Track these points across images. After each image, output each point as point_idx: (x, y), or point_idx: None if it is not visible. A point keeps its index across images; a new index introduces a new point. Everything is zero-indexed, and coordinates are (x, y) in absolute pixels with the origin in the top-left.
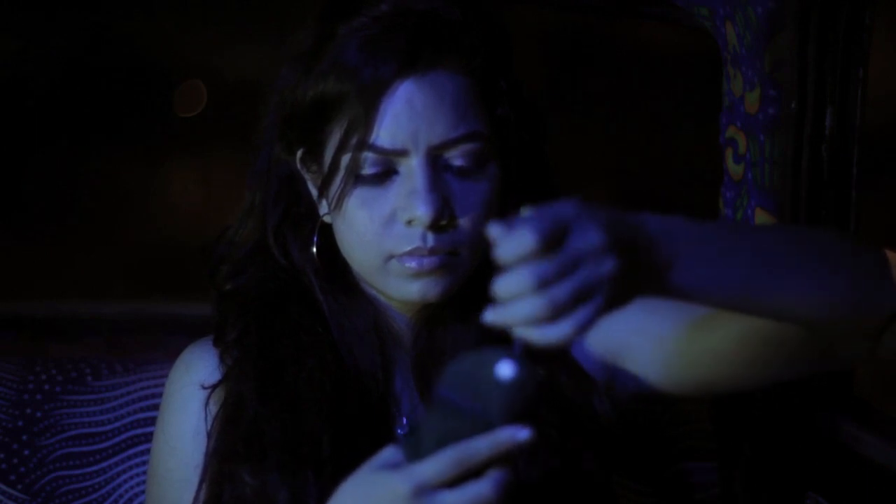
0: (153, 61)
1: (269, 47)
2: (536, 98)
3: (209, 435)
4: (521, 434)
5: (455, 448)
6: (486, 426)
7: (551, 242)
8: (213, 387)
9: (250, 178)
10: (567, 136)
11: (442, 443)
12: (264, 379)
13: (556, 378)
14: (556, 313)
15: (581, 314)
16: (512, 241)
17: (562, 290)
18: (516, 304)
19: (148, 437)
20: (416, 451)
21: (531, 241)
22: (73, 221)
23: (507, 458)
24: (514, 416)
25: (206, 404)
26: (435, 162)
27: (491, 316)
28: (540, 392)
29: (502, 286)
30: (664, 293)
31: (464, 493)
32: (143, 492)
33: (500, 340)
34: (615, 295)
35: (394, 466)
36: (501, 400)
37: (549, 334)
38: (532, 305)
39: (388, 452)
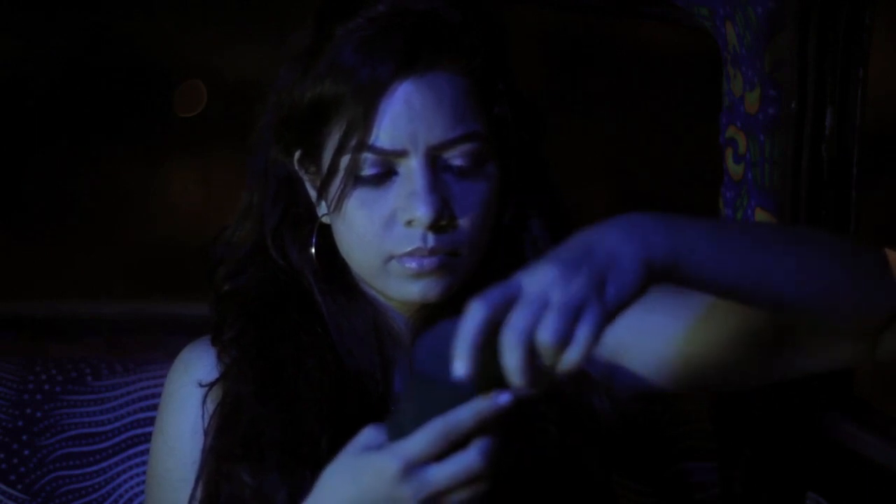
0: (153, 61)
1: (269, 47)
2: (536, 98)
3: (206, 433)
4: (502, 398)
5: (438, 421)
6: (467, 396)
7: (501, 307)
8: (211, 385)
9: (248, 180)
10: (567, 136)
11: (424, 418)
12: (263, 379)
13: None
14: (560, 342)
15: (583, 330)
16: (464, 325)
17: (550, 322)
18: (517, 355)
19: (148, 437)
20: (399, 430)
21: (478, 313)
22: (73, 221)
23: (491, 426)
24: (493, 383)
25: (204, 402)
26: (434, 162)
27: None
28: None
29: (508, 362)
30: (671, 283)
31: (452, 465)
32: (143, 492)
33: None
34: (609, 294)
35: (378, 447)
36: (478, 367)
37: (567, 361)
38: (542, 351)
39: (369, 433)
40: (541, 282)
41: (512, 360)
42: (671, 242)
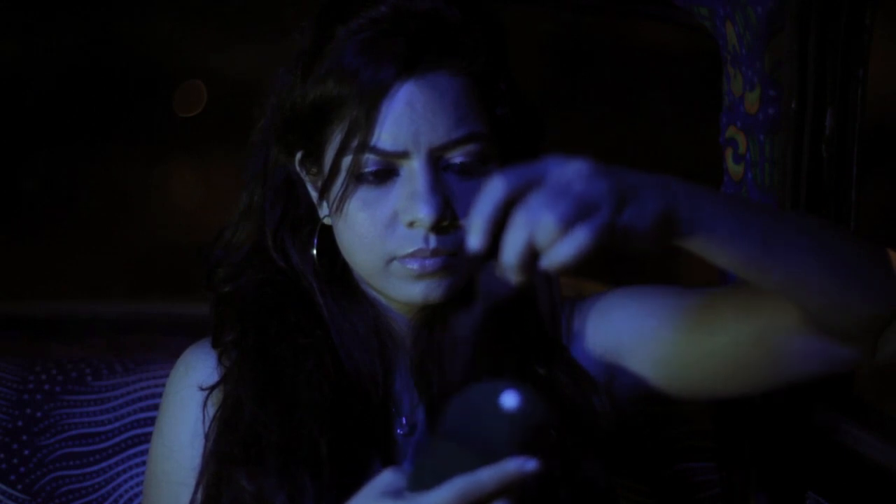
0: (153, 61)
1: (269, 47)
2: (535, 98)
3: (206, 437)
4: (529, 465)
5: (462, 479)
6: (492, 458)
7: (523, 186)
8: (211, 388)
9: (247, 180)
10: (567, 136)
11: (447, 475)
12: (262, 381)
13: (556, 378)
14: (562, 227)
15: (584, 229)
16: (484, 197)
17: (563, 204)
18: (523, 235)
19: (148, 438)
20: (420, 483)
21: (500, 186)
22: (73, 221)
23: (513, 490)
24: (520, 447)
25: (205, 406)
26: (436, 163)
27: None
28: (545, 422)
29: (511, 239)
30: (692, 247)
31: None
32: (142, 492)
33: (499, 338)
34: (623, 216)
35: (396, 493)
36: (506, 431)
37: (556, 254)
38: (540, 229)
39: (389, 477)
40: (569, 172)
41: (516, 238)
42: (695, 205)
